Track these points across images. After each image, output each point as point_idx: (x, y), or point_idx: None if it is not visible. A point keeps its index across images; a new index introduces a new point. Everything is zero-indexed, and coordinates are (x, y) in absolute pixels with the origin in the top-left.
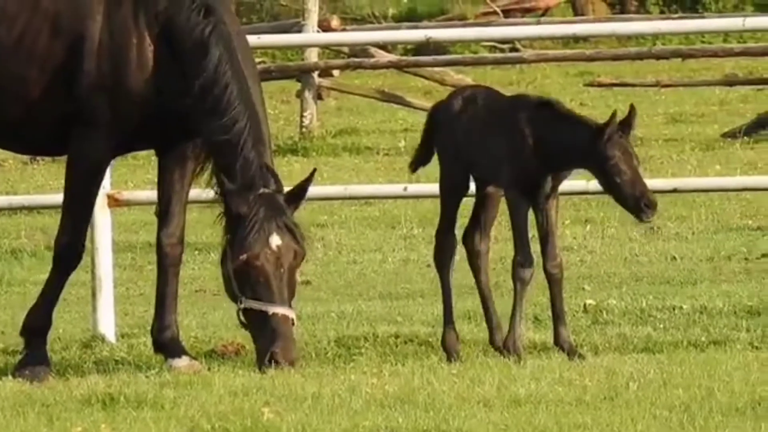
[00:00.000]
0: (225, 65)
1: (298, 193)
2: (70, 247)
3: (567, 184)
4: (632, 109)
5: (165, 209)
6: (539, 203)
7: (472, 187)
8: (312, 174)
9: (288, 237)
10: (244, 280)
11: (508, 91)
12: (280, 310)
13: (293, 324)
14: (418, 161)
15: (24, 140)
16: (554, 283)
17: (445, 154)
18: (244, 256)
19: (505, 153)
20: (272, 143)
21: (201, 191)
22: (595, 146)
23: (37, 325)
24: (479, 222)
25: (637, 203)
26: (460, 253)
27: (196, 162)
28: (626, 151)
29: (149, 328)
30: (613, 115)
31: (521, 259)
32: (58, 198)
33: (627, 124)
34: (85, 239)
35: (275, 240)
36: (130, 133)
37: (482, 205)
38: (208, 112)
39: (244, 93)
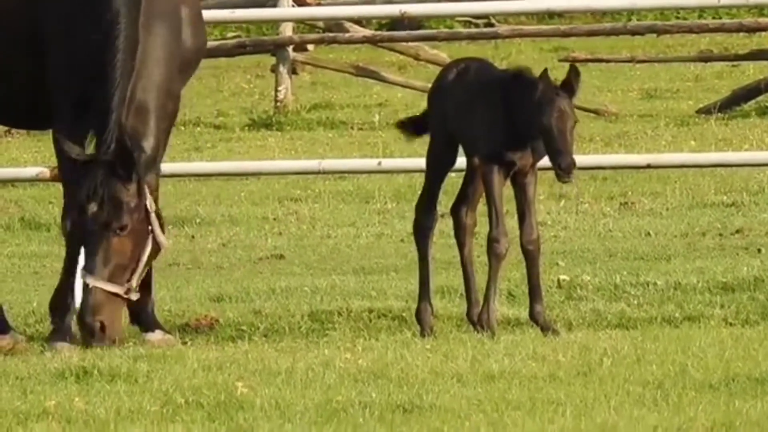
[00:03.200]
0: (119, 22)
1: (125, 167)
2: None
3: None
4: (572, 69)
5: None
6: (516, 178)
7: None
8: (129, 154)
9: (104, 207)
10: None
11: None
12: (82, 277)
13: (110, 292)
14: (410, 125)
15: (10, 113)
16: (530, 259)
17: (435, 125)
18: (66, 222)
19: (483, 125)
20: (163, 115)
21: (175, 165)
22: (532, 102)
23: None
24: (467, 196)
25: (553, 163)
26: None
27: (169, 135)
28: (560, 109)
29: None
30: (544, 71)
31: (496, 234)
32: (32, 171)
33: (568, 84)
34: None
35: (91, 208)
36: None
37: (470, 179)
38: (96, 71)
39: (127, 56)
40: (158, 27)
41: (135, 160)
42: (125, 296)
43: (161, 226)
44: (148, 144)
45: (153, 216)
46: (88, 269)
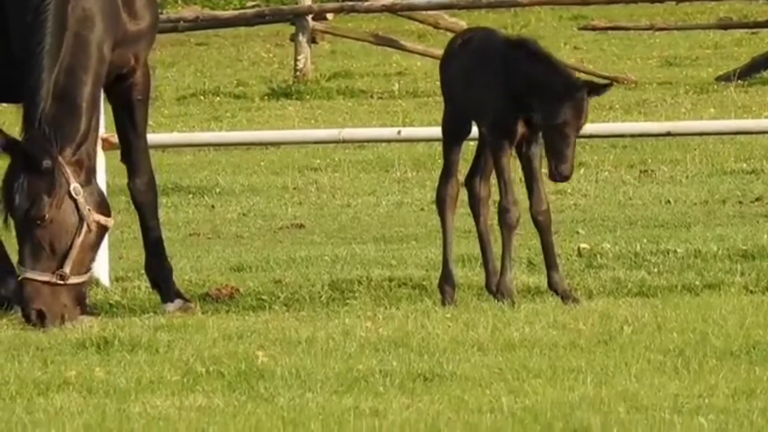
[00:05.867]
0: (46, 11)
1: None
2: None
3: None
4: (607, 84)
5: (127, 159)
6: (521, 150)
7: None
8: (40, 144)
9: (21, 199)
10: None
11: None
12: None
13: (37, 283)
14: None
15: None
16: (542, 230)
17: (445, 95)
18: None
19: (486, 94)
20: (93, 97)
21: (195, 134)
22: (560, 99)
23: None
24: (480, 166)
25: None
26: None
27: (144, 108)
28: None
29: (143, 271)
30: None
31: (506, 203)
32: None
33: (595, 89)
34: None
35: (15, 200)
36: None
37: (482, 149)
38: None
39: (54, 40)
40: (89, 7)
41: (44, 150)
42: (59, 282)
43: (100, 204)
44: (72, 128)
45: (80, 200)
46: (20, 261)
